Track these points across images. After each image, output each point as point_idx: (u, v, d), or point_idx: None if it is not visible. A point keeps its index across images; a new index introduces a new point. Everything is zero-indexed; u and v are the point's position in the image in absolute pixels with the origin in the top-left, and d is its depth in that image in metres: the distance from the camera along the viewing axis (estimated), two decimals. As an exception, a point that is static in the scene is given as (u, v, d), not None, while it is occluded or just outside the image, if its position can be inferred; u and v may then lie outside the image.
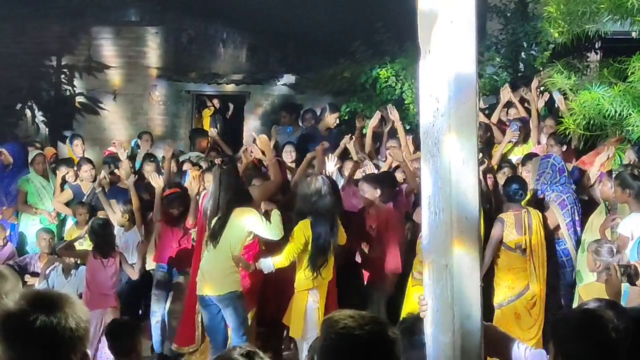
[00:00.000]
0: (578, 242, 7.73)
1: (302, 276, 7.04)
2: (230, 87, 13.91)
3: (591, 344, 2.82)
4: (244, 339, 7.00)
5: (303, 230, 6.97)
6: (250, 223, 7.02)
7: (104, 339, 7.57)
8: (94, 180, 9.57)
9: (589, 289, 6.14)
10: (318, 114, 11.55)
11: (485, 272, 6.76)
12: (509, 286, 7.45)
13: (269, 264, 7.05)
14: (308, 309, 6.98)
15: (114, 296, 7.87)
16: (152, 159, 10.19)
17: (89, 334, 2.09)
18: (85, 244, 8.88)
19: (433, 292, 3.44)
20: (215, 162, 7.86)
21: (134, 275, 8.09)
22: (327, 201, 6.99)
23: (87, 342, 2.09)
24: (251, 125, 13.60)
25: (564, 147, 8.99)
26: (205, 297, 7.12)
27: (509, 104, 10.35)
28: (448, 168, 3.35)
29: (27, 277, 8.76)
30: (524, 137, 9.68)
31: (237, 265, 7.06)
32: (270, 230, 7.00)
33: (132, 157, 10.89)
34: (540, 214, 7.59)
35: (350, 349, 2.15)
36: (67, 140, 11.68)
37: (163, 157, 10.06)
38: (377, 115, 10.29)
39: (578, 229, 7.83)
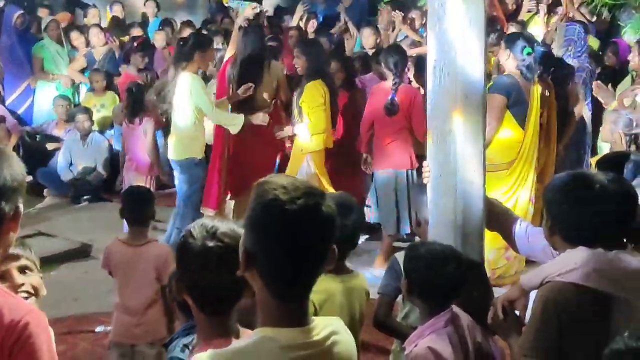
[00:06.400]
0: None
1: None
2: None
3: (575, 206, 2.71)
4: None
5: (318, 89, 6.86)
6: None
7: None
8: (105, 44, 9.47)
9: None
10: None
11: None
12: None
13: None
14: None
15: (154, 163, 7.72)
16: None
17: (23, 189, 2.21)
18: (103, 111, 8.94)
19: (436, 158, 3.40)
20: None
21: None
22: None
23: (21, 196, 2.20)
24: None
25: (594, 18, 8.75)
26: None
27: None
28: (454, 31, 3.25)
29: (49, 145, 8.88)
30: (548, 8, 9.32)
31: None
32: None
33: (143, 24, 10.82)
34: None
35: (276, 223, 1.89)
36: (108, 7, 11.52)
37: None
38: None
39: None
